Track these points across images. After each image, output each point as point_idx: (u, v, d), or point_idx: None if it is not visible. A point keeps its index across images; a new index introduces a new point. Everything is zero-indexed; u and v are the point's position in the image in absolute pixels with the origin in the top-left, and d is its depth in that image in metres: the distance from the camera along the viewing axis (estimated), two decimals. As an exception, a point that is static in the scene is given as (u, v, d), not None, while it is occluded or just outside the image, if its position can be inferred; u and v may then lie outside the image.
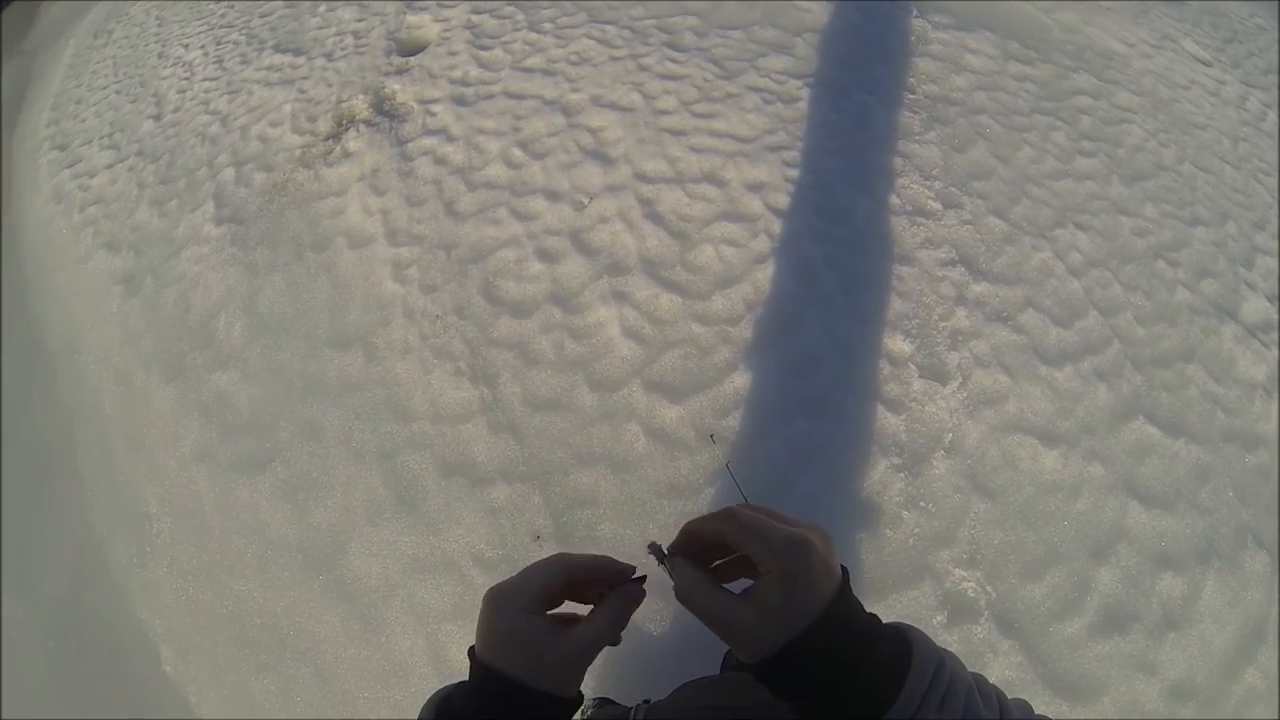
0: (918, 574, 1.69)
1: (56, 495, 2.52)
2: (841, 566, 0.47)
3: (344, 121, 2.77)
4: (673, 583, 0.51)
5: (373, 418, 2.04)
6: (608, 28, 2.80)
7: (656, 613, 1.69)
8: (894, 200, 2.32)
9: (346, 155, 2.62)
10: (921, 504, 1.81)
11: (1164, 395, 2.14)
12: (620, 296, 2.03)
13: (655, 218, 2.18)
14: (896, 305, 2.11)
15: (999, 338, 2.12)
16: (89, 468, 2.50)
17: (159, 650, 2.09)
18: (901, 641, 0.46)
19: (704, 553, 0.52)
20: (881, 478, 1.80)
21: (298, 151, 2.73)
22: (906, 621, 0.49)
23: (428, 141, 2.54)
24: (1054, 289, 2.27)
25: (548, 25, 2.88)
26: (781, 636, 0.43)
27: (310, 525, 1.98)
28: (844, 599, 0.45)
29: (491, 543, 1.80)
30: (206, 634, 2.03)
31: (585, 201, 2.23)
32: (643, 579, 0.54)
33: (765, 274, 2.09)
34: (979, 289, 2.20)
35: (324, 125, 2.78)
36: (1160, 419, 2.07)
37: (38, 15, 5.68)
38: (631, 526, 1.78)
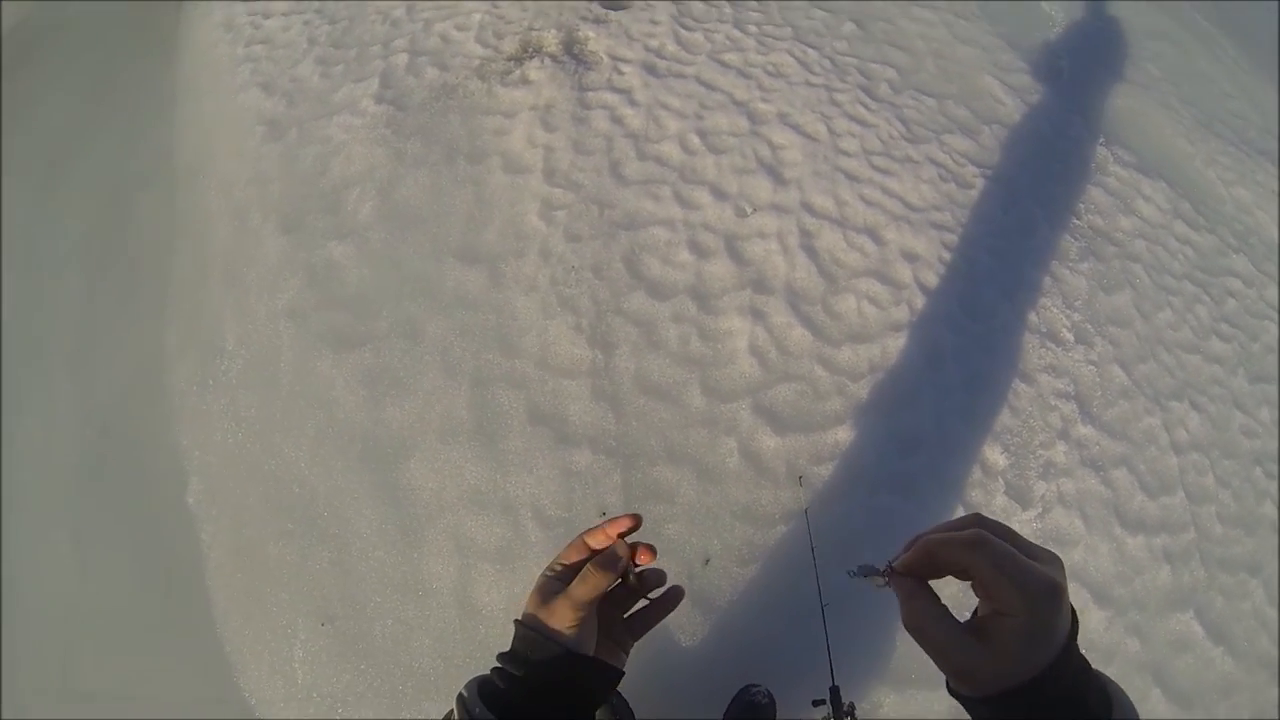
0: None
1: (140, 300, 2.54)
2: (1073, 610, 0.46)
3: (530, 49, 2.77)
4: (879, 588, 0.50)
5: (477, 340, 2.04)
6: (810, 51, 2.79)
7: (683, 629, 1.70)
8: (1032, 317, 2.31)
9: (525, 81, 2.63)
10: (966, 614, 1.80)
11: (1219, 599, 2.12)
12: (757, 314, 2.03)
13: (810, 251, 2.17)
14: (1005, 418, 2.10)
15: (1088, 485, 2.10)
16: (179, 286, 2.53)
17: (189, 480, 2.12)
18: (1103, 694, 0.45)
19: (929, 570, 0.48)
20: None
21: (476, 62, 2.73)
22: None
23: (609, 97, 2.54)
24: (1152, 458, 2.25)
25: (752, 28, 2.87)
26: (1011, 681, 0.43)
27: (381, 420, 2.00)
28: (1070, 650, 0.44)
29: (557, 502, 1.81)
30: (241, 483, 2.05)
31: (749, 211, 2.23)
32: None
33: (896, 343, 2.08)
34: (1084, 431, 2.18)
35: (509, 45, 2.78)
36: (1209, 621, 2.05)
37: None
38: (697, 535, 1.78)
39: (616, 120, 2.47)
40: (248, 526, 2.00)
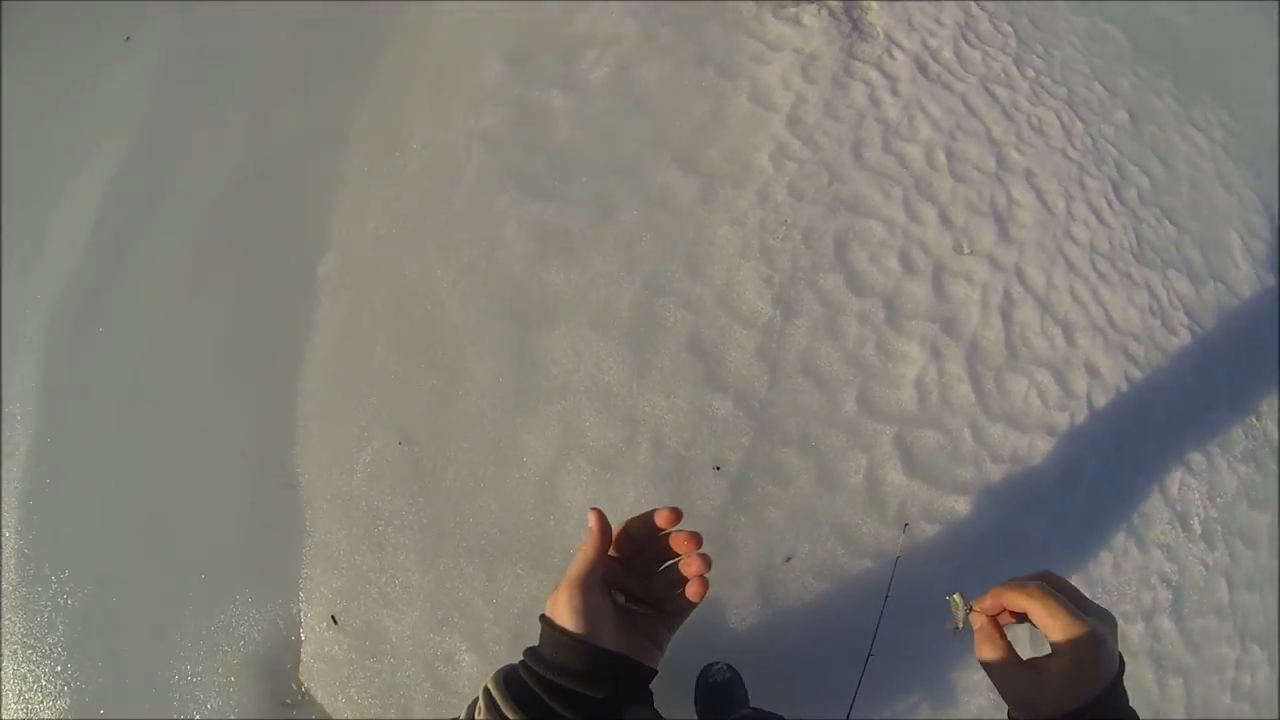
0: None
1: (343, 67, 2.45)
2: (1120, 656, 0.54)
3: (811, -10, 2.61)
4: (952, 630, 0.61)
5: (666, 246, 1.97)
6: (1078, 123, 2.61)
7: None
8: (1174, 490, 2.21)
9: (796, 22, 2.48)
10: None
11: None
12: (936, 352, 1.94)
13: (1007, 318, 2.07)
14: (1105, 569, 2.03)
15: (1143, 678, 2.05)
16: (387, 72, 2.43)
17: (326, 252, 2.09)
18: None
19: (1000, 610, 0.59)
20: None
21: (753, -20, 2.58)
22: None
23: (874, 75, 2.39)
24: (1210, 686, 2.18)
25: (1030, 72, 2.68)
26: (1054, 712, 0.51)
27: (539, 278, 1.95)
28: (1114, 691, 0.52)
29: (680, 437, 1.77)
30: (375, 277, 2.02)
31: (966, 249, 2.12)
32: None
33: (1044, 446, 1.99)
34: (1166, 625, 2.11)
35: (792, -23, 2.62)
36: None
37: None
38: (792, 530, 1.74)
39: (874, 101, 2.33)
40: (365, 320, 1.98)
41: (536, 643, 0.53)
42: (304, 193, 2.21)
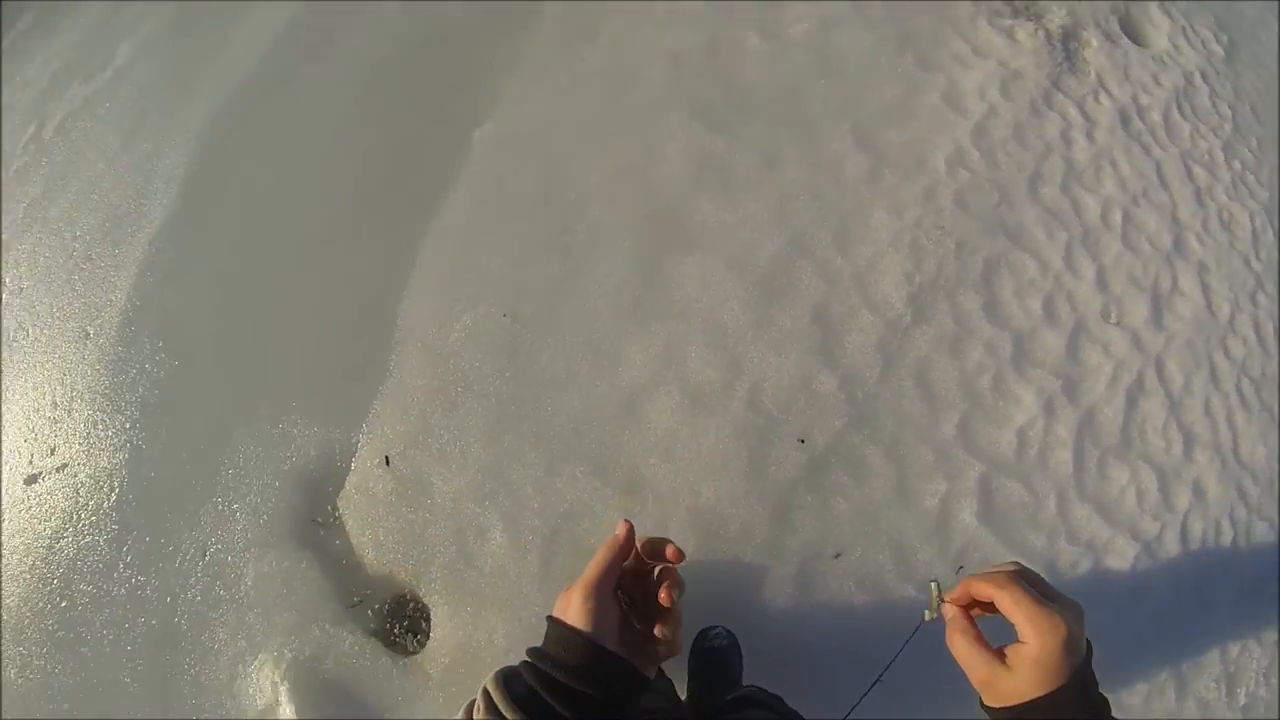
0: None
1: None
2: (1087, 642, 0.55)
3: (1030, 10, 2.44)
4: (929, 618, 0.64)
5: (821, 212, 1.90)
6: (1269, 233, 2.41)
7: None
8: (1235, 652, 2.06)
9: (1010, 35, 2.32)
10: None
11: None
12: (1049, 409, 1.84)
13: (1131, 403, 1.94)
14: (1139, 694, 1.91)
15: None
16: None
17: (485, 120, 2.07)
18: None
19: (973, 602, 0.60)
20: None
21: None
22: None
23: (1073, 113, 2.23)
24: None
25: (1236, 164, 2.45)
26: (1020, 698, 0.52)
27: (689, 202, 1.90)
28: (1080, 679, 0.53)
29: (776, 399, 1.71)
30: (527, 153, 2.02)
31: (1113, 319, 1.98)
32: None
33: (1123, 546, 1.86)
34: None
35: (1022, -11, 2.45)
36: None
37: None
38: (851, 529, 1.68)
39: (1066, 139, 2.18)
40: (506, 192, 1.97)
41: (539, 643, 0.56)
42: (481, 61, 2.20)
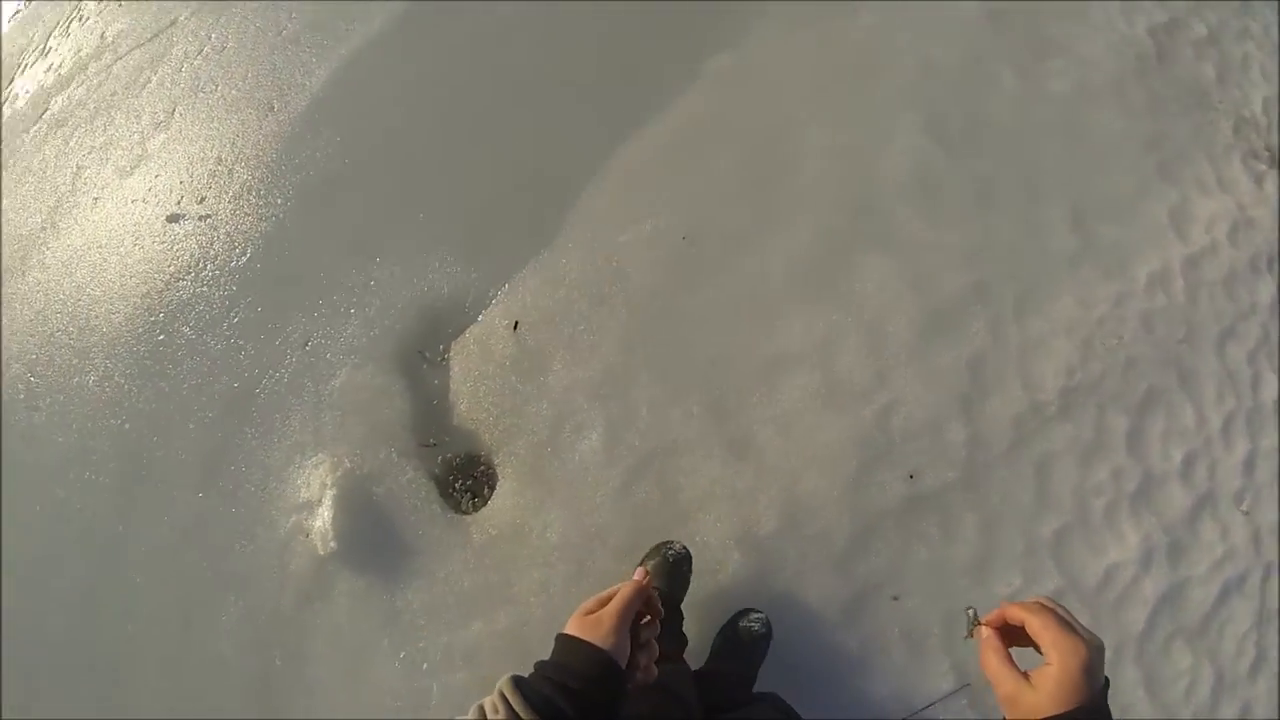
0: None
1: None
2: (1106, 678, 0.59)
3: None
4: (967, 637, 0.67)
5: (1011, 270, 1.85)
6: None
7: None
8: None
9: (1257, 180, 2.19)
10: None
11: None
12: (1147, 560, 1.76)
13: (1224, 594, 1.84)
14: None
15: None
16: None
17: (722, 51, 2.02)
18: None
19: (1007, 627, 0.64)
20: None
21: (1246, 114, 2.28)
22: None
23: None
24: None
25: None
26: (1040, 714, 0.56)
27: (891, 207, 1.88)
28: (1094, 704, 0.56)
29: (904, 426, 1.69)
30: (752, 99, 2.02)
31: (1244, 508, 1.90)
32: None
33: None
34: None
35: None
36: None
37: None
38: (918, 579, 1.63)
39: (1274, 309, 2.06)
40: (723, 123, 1.95)
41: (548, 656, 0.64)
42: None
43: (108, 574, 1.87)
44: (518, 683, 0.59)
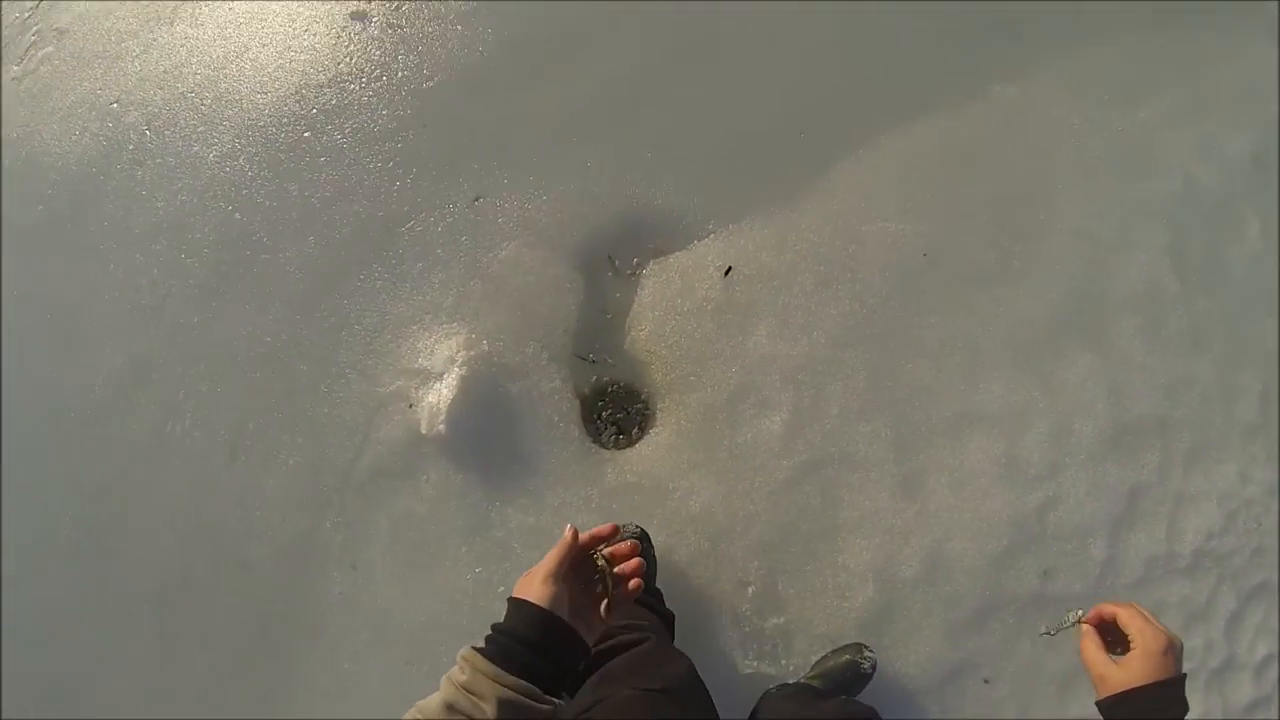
0: None
1: None
2: (1183, 672, 0.67)
3: None
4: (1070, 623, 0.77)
5: (1198, 415, 1.77)
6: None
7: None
8: None
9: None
10: None
11: None
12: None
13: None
14: None
15: None
16: None
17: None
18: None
19: (1101, 626, 0.73)
20: None
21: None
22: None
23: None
24: None
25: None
26: (1123, 688, 0.66)
27: (1110, 295, 1.77)
28: (1169, 685, 0.65)
29: (1056, 521, 1.63)
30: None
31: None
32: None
33: None
34: None
35: None
36: None
37: None
38: (1016, 668, 1.57)
39: None
40: (985, 153, 1.87)
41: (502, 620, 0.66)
42: (1045, 21, 1.99)
43: (161, 364, 1.67)
44: (475, 649, 0.63)
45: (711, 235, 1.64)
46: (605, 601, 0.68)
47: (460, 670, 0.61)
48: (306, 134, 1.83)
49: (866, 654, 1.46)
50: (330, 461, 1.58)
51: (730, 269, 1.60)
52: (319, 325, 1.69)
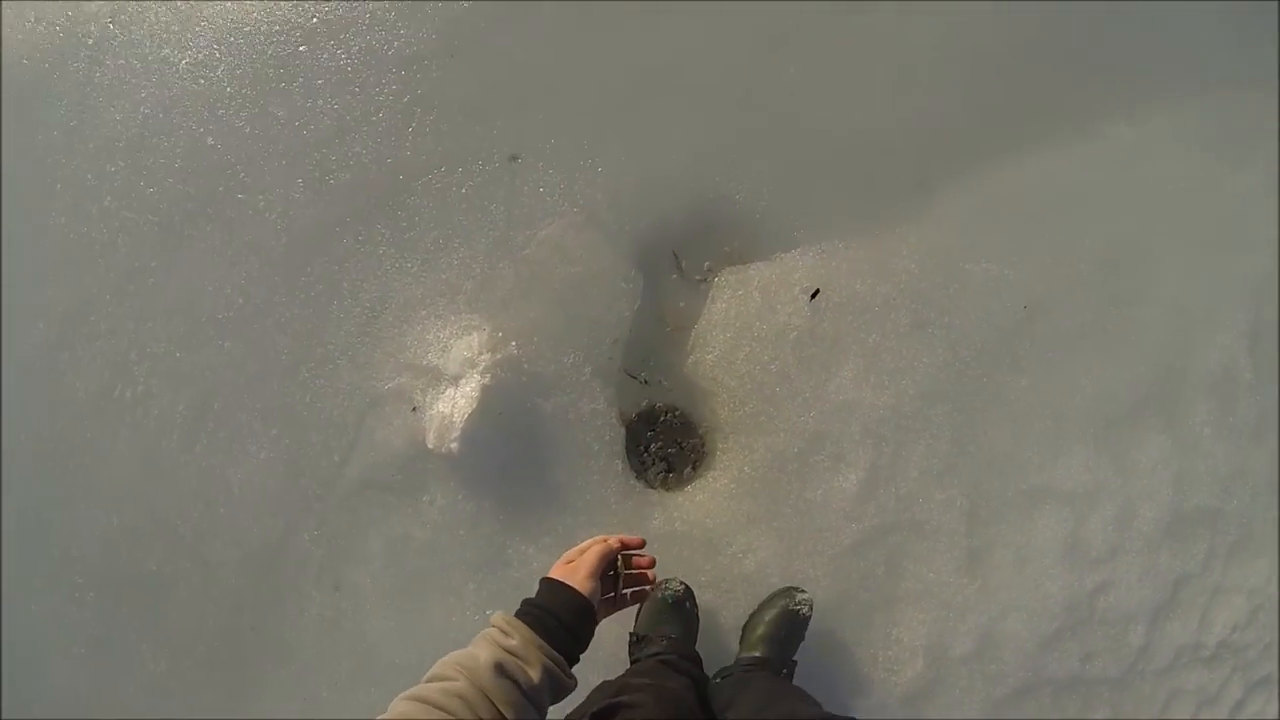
0: None
1: None
2: None
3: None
4: None
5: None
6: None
7: None
8: None
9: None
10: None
11: None
12: None
13: None
14: None
15: None
16: None
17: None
18: None
19: None
20: None
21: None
22: None
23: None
24: None
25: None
26: None
27: (1190, 374, 1.66)
28: None
29: (1105, 607, 1.57)
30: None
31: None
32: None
33: None
34: None
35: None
36: None
37: None
38: None
39: None
40: (1092, 201, 1.69)
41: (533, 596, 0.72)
42: (1174, 59, 1.81)
43: (111, 313, 1.35)
44: (511, 616, 0.67)
45: (799, 248, 1.41)
46: (609, 596, 0.79)
47: (505, 634, 0.63)
48: (302, 48, 1.45)
49: (800, 596, 1.28)
50: (311, 462, 1.31)
51: (818, 292, 1.38)
52: (303, 292, 1.37)
